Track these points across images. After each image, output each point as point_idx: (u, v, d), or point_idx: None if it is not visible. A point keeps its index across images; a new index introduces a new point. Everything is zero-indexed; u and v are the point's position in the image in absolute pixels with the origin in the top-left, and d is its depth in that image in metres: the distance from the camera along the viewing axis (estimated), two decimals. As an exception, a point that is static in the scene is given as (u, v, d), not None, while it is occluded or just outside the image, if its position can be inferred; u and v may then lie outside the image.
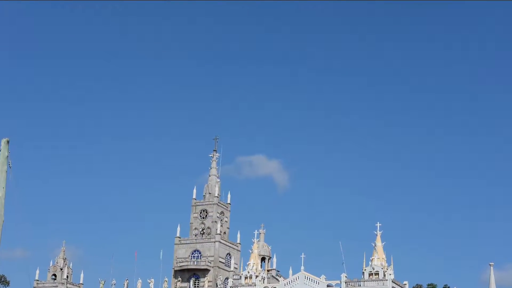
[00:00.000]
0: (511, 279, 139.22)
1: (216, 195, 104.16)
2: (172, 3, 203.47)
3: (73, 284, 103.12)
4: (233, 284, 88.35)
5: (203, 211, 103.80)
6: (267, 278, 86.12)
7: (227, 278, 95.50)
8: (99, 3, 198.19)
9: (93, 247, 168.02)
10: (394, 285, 75.72)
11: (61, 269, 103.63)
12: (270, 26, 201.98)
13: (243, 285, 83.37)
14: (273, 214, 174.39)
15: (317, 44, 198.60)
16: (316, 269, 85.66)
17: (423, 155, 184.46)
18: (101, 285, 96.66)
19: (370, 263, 76.46)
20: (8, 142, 33.17)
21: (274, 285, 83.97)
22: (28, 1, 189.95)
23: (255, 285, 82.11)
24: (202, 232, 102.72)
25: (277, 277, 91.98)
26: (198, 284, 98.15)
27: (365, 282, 75.76)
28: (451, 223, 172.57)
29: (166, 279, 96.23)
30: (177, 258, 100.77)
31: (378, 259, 76.39)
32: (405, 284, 79.53)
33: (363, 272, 76.37)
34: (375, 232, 77.93)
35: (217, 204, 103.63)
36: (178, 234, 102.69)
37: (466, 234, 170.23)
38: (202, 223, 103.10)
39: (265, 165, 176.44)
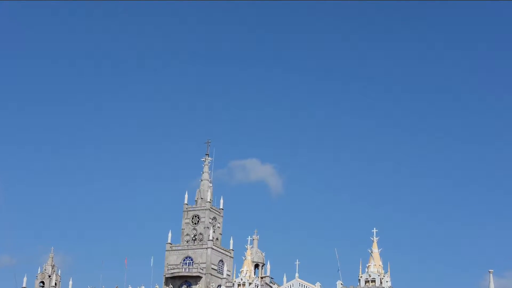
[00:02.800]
0: (511, 286, 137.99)
1: (208, 200, 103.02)
2: (162, 4, 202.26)
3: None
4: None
5: (195, 216, 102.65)
6: (261, 285, 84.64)
7: (219, 286, 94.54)
8: (90, 4, 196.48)
9: (82, 253, 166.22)
10: (391, 292, 74.44)
11: (49, 276, 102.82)
12: (265, 27, 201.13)
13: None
14: (266, 220, 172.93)
15: (314, 46, 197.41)
16: (311, 276, 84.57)
17: (421, 160, 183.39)
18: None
19: (366, 270, 75.40)
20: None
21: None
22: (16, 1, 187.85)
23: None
24: (194, 238, 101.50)
25: (271, 284, 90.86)
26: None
27: (361, 290, 74.45)
28: (449, 229, 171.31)
29: (157, 286, 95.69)
30: (168, 265, 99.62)
31: (375, 266, 75.29)
32: (402, 291, 78.21)
33: (359, 279, 75.27)
34: (372, 238, 76.65)
35: (209, 209, 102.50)
36: (169, 240, 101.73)
37: (465, 240, 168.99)
38: (194, 229, 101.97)
39: (259, 170, 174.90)
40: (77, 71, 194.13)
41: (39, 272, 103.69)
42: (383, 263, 75.77)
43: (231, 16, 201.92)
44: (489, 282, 68.62)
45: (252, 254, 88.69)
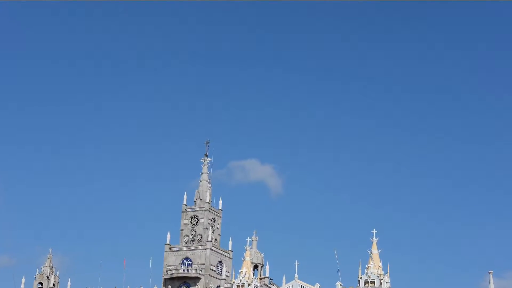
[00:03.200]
0: (511, 287, 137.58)
1: (207, 201, 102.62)
2: (162, 4, 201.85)
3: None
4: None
5: (194, 217, 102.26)
6: (260, 286, 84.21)
7: (218, 287, 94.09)
8: (90, 4, 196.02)
9: (81, 254, 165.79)
10: (391, 293, 74.04)
11: (48, 277, 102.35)
12: (265, 27, 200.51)
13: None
14: (266, 221, 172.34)
15: (314, 46, 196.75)
16: (310, 277, 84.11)
17: (421, 160, 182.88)
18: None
19: (365, 271, 74.99)
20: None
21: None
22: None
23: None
24: (192, 239, 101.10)
25: (270, 285, 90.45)
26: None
27: (360, 291, 74.04)
28: (450, 229, 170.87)
29: (156, 287, 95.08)
30: (167, 266, 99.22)
31: (374, 266, 74.86)
32: (402, 292, 77.85)
33: (359, 280, 74.87)
34: (371, 239, 76.24)
35: (208, 210, 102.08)
36: (168, 241, 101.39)
37: (465, 241, 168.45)
38: (193, 230, 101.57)
39: (258, 170, 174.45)
40: (77, 71, 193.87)
41: (37, 273, 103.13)
42: (382, 264, 75.38)
43: (231, 16, 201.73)
44: (489, 283, 68.35)
45: (251, 255, 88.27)
